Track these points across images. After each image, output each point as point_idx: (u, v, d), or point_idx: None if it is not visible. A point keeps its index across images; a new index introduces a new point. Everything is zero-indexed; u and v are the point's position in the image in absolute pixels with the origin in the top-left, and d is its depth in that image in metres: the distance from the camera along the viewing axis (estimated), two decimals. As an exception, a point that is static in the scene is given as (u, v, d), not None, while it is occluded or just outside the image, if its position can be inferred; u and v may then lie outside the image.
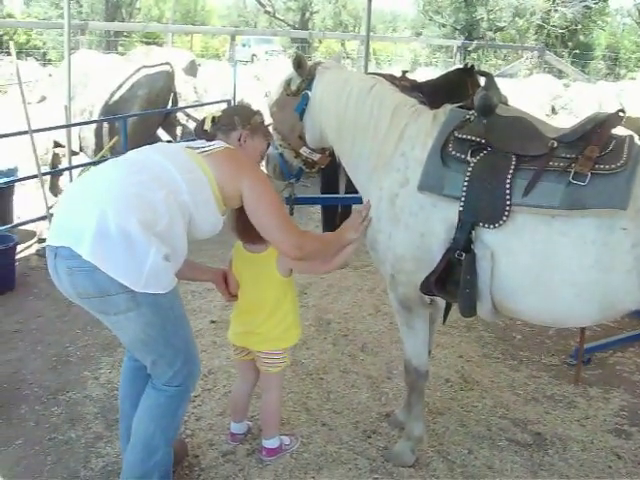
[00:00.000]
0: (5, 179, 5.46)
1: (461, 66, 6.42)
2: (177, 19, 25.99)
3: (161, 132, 8.95)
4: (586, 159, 2.04)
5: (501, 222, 2.10)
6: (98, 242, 1.93)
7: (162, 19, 27.58)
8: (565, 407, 3.18)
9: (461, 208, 2.16)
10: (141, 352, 2.21)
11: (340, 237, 2.49)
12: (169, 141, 8.15)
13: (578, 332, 3.49)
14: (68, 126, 6.63)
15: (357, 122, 2.46)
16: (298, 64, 2.61)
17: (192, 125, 8.36)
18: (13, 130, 5.32)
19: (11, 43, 6.13)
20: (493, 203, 2.11)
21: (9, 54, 9.19)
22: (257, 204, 2.26)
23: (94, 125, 7.78)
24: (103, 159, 6.31)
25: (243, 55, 21.01)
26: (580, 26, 24.30)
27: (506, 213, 2.09)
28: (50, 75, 10.48)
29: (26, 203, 6.05)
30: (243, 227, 2.42)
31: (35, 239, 5.42)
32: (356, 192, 2.71)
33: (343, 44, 24.16)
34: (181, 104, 9.35)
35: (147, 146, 2.33)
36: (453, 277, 2.20)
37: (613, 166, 2.02)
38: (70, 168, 6.54)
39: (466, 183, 2.15)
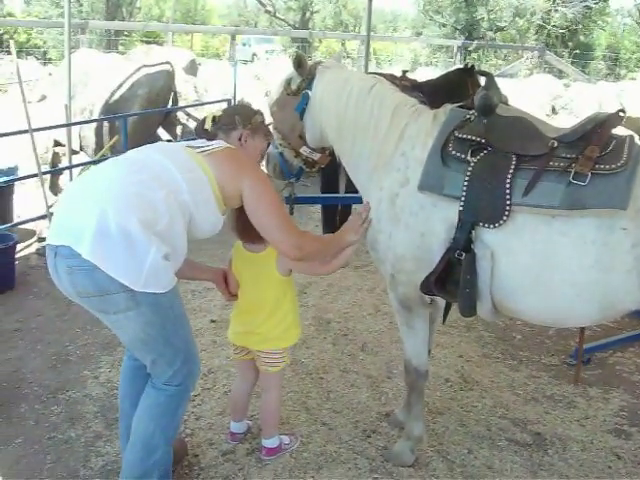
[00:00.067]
0: (5, 178, 5.46)
1: (461, 66, 6.42)
2: (177, 18, 25.96)
3: (161, 131, 8.95)
4: (586, 159, 2.04)
5: (501, 222, 2.10)
6: (98, 241, 1.93)
7: (162, 18, 27.54)
8: (565, 407, 3.18)
9: (461, 208, 2.16)
10: (141, 351, 2.21)
11: (340, 239, 2.49)
12: (169, 140, 8.14)
13: (578, 332, 3.49)
14: (68, 125, 6.63)
15: (357, 122, 2.45)
16: (298, 63, 2.61)
17: (192, 124, 8.37)
18: (13, 129, 5.31)
19: (11, 42, 6.14)
20: (493, 203, 2.11)
21: (9, 53, 9.18)
22: (257, 204, 2.26)
23: (94, 124, 7.78)
24: (103, 158, 6.31)
25: (243, 54, 20.97)
26: (580, 26, 24.26)
27: (506, 213, 2.09)
28: (50, 74, 10.45)
29: (26, 202, 6.05)
30: (243, 227, 2.43)
31: (35, 238, 5.42)
32: (356, 192, 2.71)
33: (343, 44, 24.10)
34: (181, 103, 9.34)
35: (147, 145, 2.33)
36: (453, 277, 2.21)
37: (613, 166, 2.03)
38: (70, 167, 6.55)
39: (466, 183, 2.15)
